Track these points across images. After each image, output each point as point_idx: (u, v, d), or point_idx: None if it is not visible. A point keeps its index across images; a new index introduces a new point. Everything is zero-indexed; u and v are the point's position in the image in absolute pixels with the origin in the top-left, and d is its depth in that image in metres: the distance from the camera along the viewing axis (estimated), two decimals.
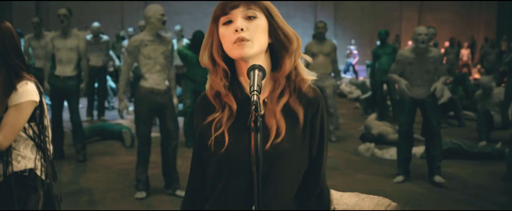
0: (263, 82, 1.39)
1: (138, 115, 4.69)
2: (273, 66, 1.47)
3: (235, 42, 1.40)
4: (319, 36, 7.26)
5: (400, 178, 5.44)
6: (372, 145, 6.74)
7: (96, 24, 8.74)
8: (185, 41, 9.27)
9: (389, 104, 9.56)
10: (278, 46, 1.45)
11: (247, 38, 1.40)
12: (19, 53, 2.31)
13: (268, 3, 1.45)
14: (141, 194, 4.72)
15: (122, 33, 13.95)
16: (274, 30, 1.44)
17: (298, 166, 1.47)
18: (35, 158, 2.33)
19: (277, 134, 1.40)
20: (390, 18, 20.70)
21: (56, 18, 6.05)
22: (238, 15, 1.41)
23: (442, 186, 5.23)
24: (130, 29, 13.98)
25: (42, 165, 2.35)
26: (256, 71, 1.36)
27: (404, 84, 5.25)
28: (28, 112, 2.29)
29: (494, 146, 6.72)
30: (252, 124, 1.28)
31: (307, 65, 7.14)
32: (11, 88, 2.26)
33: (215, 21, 1.45)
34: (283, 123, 1.41)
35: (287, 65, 1.44)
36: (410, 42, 14.12)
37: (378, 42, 9.37)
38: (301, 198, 1.50)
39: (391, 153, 6.54)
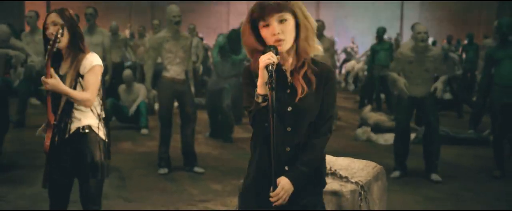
0: (288, 56, 2.05)
1: (161, 101, 5.41)
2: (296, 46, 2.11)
3: (274, 42, 1.99)
4: (317, 34, 7.91)
5: (396, 173, 5.50)
6: (368, 128, 7.40)
7: (114, 23, 9.43)
8: (197, 39, 10.03)
9: (383, 97, 10.23)
10: (300, 34, 2.09)
11: (282, 38, 2.00)
12: (79, 32, 2.93)
13: (294, 5, 2.04)
14: (164, 170, 5.41)
15: (132, 31, 14.66)
16: (298, 26, 2.07)
17: (314, 114, 2.12)
18: (92, 116, 2.90)
19: (301, 92, 2.03)
20: (392, 16, 21.15)
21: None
22: (273, 20, 1.99)
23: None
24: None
25: (99, 123, 2.92)
26: (272, 50, 2.00)
27: (403, 83, 5.30)
28: (100, 72, 2.91)
29: (480, 133, 7.36)
30: (269, 86, 1.92)
31: None
32: (81, 57, 2.86)
33: (252, 22, 2.04)
34: (305, 86, 2.03)
35: (304, 47, 2.08)
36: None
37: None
38: (312, 133, 2.11)
39: (385, 137, 7.19)
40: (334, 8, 21.20)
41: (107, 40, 6.78)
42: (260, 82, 1.96)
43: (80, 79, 2.87)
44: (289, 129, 2.06)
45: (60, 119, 2.89)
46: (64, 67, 2.92)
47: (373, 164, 3.51)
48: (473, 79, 11.05)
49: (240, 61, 6.91)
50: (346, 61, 16.16)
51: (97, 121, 2.93)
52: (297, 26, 2.05)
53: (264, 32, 2.03)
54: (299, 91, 2.04)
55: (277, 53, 1.99)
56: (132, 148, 6.72)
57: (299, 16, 2.05)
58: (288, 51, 2.08)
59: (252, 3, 2.11)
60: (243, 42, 2.11)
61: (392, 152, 5.69)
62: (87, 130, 2.88)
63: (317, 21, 8.06)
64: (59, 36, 2.77)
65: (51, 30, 2.86)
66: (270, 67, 1.92)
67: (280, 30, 2.00)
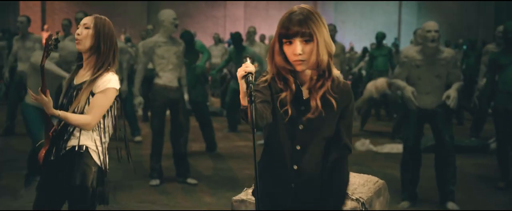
0: (308, 73, 1.99)
1: (153, 109, 5.20)
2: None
3: (294, 61, 1.93)
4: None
5: (405, 204, 4.70)
6: (367, 140, 7.21)
7: None
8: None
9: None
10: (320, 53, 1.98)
11: (304, 59, 1.93)
12: (112, 46, 2.66)
13: (319, 25, 1.94)
14: (156, 182, 5.19)
15: (127, 35, 14.46)
16: (319, 48, 1.94)
17: (327, 136, 2.03)
18: (92, 138, 2.63)
19: (313, 112, 1.96)
20: (388, 21, 21.11)
21: (62, 19, 6.54)
22: (297, 40, 1.91)
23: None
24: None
25: (96, 146, 2.64)
26: (249, 59, 1.84)
27: (410, 92, 4.50)
28: (112, 97, 2.64)
29: (482, 141, 7.18)
30: (248, 99, 1.74)
31: None
32: (98, 75, 2.60)
33: (280, 38, 1.96)
34: (320, 106, 1.96)
35: (325, 66, 1.97)
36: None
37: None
38: (329, 151, 2.05)
39: (385, 150, 7.00)
40: (331, 13, 21.11)
41: None
42: (241, 94, 1.80)
43: (91, 97, 2.62)
44: (298, 147, 2.02)
45: (59, 132, 2.64)
46: (80, 76, 2.67)
47: (374, 179, 3.31)
48: (473, 85, 10.86)
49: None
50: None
51: (96, 143, 2.66)
52: (318, 49, 1.95)
53: (286, 49, 1.96)
54: (313, 110, 1.98)
55: (253, 63, 1.84)
56: (124, 157, 6.48)
57: (320, 40, 1.95)
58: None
59: (249, 6, 1.94)
60: (269, 56, 2.01)
61: (393, 160, 5.48)
62: (82, 150, 2.61)
63: (329, 25, 7.87)
64: (51, 42, 2.49)
65: (79, 30, 2.64)
66: (250, 77, 1.76)
67: (302, 51, 1.93)
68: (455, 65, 4.62)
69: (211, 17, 20.71)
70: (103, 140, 2.69)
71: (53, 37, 2.51)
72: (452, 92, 4.42)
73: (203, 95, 7.00)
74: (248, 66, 1.78)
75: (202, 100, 6.73)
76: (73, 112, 2.60)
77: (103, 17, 2.70)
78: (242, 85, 1.77)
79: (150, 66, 5.90)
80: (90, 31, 2.63)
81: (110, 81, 2.62)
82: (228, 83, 9.17)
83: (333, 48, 1.98)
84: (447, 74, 4.58)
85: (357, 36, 20.99)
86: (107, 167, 2.72)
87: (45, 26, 17.22)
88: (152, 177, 5.24)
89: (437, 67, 4.53)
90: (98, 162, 2.65)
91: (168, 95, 5.13)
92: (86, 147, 2.62)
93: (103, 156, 2.68)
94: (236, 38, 7.30)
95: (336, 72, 2.01)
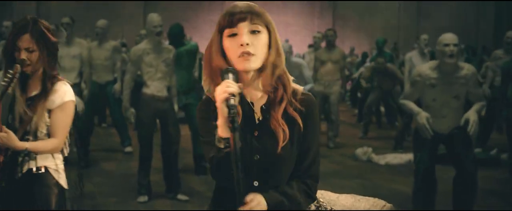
0: (258, 82, 1.56)
1: (140, 120, 4.86)
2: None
3: (240, 56, 1.51)
4: (328, 43, 7.40)
5: None
6: (369, 149, 6.89)
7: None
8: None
9: (383, 110, 9.69)
10: (273, 54, 1.58)
11: (252, 52, 1.51)
12: (54, 54, 2.36)
13: (270, 18, 1.58)
14: (144, 198, 4.84)
15: (123, 41, 14.14)
16: (271, 45, 1.57)
17: (292, 163, 1.62)
18: (51, 157, 2.37)
19: (284, 139, 1.54)
20: (388, 26, 20.89)
21: (58, 24, 6.22)
22: (243, 29, 1.52)
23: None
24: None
25: (57, 164, 2.39)
26: (231, 75, 1.48)
27: (424, 118, 3.84)
28: (72, 111, 2.36)
29: (489, 152, 6.85)
30: (230, 125, 1.40)
31: (316, 71, 7.34)
32: (48, 89, 2.31)
33: (220, 31, 1.57)
34: (287, 129, 1.55)
35: (281, 72, 1.58)
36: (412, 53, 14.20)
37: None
38: (291, 184, 1.62)
39: (387, 159, 6.67)
40: (330, 18, 20.89)
41: (86, 52, 6.23)
42: (220, 121, 1.44)
43: (47, 115, 2.31)
44: (256, 183, 1.56)
45: (11, 156, 2.32)
46: (31, 92, 2.36)
47: (381, 202, 2.94)
48: None
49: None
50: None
51: (57, 162, 2.38)
52: (270, 47, 1.55)
53: (228, 43, 1.54)
54: (281, 136, 1.55)
55: (237, 79, 1.48)
56: (112, 169, 6.16)
57: (273, 32, 1.56)
58: (254, 77, 1.56)
59: None
60: (205, 60, 1.58)
61: (397, 172, 5.15)
62: (41, 171, 2.34)
63: (329, 30, 7.54)
64: (16, 76, 2.19)
65: (23, 56, 2.27)
66: (232, 100, 1.41)
67: (250, 42, 1.52)
68: (476, 83, 3.99)
69: (208, 21, 20.39)
70: (62, 157, 2.44)
71: (17, 70, 2.21)
72: (472, 115, 3.77)
73: (196, 99, 6.60)
74: (229, 86, 1.43)
75: (194, 103, 6.32)
76: (25, 132, 2.30)
77: (36, 20, 2.34)
78: (222, 110, 1.42)
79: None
80: (37, 54, 2.31)
81: (66, 94, 2.35)
82: None
83: (281, 50, 1.59)
84: (466, 94, 3.95)
85: (355, 41, 20.77)
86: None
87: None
88: (139, 193, 4.89)
89: (455, 86, 3.89)
90: (60, 182, 2.40)
91: (156, 106, 4.79)
92: (46, 168, 2.35)
93: (63, 174, 2.43)
94: None
95: (289, 77, 1.62)
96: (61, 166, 2.42)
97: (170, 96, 4.91)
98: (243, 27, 1.52)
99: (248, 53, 1.51)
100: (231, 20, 1.52)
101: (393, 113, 8.82)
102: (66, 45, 6.16)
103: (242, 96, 1.55)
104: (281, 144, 1.54)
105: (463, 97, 3.93)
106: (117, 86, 6.37)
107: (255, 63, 1.53)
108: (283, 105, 1.57)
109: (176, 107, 5.01)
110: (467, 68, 3.94)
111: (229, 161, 1.43)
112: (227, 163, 1.44)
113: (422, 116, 3.85)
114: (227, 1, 19.97)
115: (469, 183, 3.97)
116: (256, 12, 1.54)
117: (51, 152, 2.34)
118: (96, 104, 6.64)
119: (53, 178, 2.37)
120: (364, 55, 12.24)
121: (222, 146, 1.45)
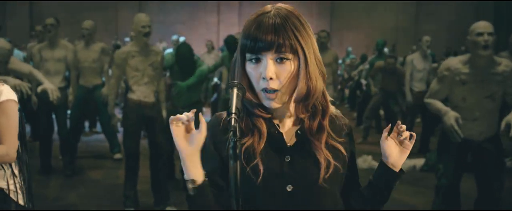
0: (288, 109, 1.33)
1: (125, 128, 4.54)
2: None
3: (262, 90, 1.28)
4: (320, 45, 7.11)
5: None
6: (369, 157, 6.60)
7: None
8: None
9: (382, 114, 9.37)
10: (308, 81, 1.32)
11: (276, 88, 1.26)
12: None
13: (306, 36, 1.29)
14: None
15: (118, 43, 13.83)
16: (304, 72, 1.28)
17: (333, 195, 1.37)
18: (4, 176, 2.08)
19: (326, 169, 1.31)
20: (385, 27, 20.68)
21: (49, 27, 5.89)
22: (267, 56, 1.25)
23: None
24: (127, 39, 13.82)
25: (14, 183, 2.10)
26: (235, 91, 1.20)
27: (453, 119, 3.31)
28: (14, 111, 2.06)
29: None
30: (230, 151, 1.12)
31: None
32: None
33: (242, 52, 1.30)
34: (330, 157, 1.33)
35: (321, 100, 1.36)
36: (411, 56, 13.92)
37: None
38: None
39: None
40: (328, 19, 20.68)
41: (71, 55, 5.89)
42: (183, 156, 1.21)
43: None
44: None
45: None
46: None
47: None
48: None
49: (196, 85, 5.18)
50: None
51: (12, 180, 2.08)
52: (301, 77, 1.29)
53: (250, 68, 1.29)
54: (324, 165, 1.31)
55: (243, 94, 1.22)
56: (99, 178, 5.84)
57: (309, 61, 1.27)
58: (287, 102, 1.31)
59: (243, 11, 1.30)
60: (231, 72, 1.35)
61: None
62: None
63: (322, 31, 7.24)
64: None
65: None
66: (233, 120, 1.13)
67: (274, 75, 1.26)
68: None
69: (204, 23, 20.12)
70: (17, 172, 2.11)
71: None
72: None
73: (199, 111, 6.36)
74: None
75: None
76: None
77: None
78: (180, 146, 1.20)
79: None
80: None
81: (1, 94, 2.04)
82: (220, 93, 8.52)
83: (323, 68, 1.35)
84: (503, 95, 3.39)
85: (354, 43, 20.56)
86: (31, 204, 2.16)
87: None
88: (125, 205, 4.58)
89: (489, 84, 3.33)
90: (20, 202, 2.10)
91: (142, 112, 4.47)
92: (1, 189, 2.06)
93: (22, 191, 2.11)
94: (229, 41, 6.65)
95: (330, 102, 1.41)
96: (18, 184, 2.10)
97: (157, 102, 4.60)
98: (267, 55, 1.26)
99: (272, 90, 1.26)
100: (253, 47, 1.25)
101: (394, 117, 8.50)
102: (50, 47, 5.86)
103: (271, 121, 1.33)
104: (322, 174, 1.30)
105: (499, 97, 3.37)
106: (105, 90, 6.00)
107: (281, 99, 1.29)
108: (324, 135, 1.34)
109: (164, 113, 4.69)
110: (505, 64, 3.36)
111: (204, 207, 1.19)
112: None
113: (451, 116, 3.31)
114: (222, 1, 19.72)
115: (492, 203, 3.50)
116: (286, 36, 1.25)
117: (3, 161, 2.04)
118: (84, 109, 6.31)
119: (12, 200, 2.07)
120: (363, 57, 11.97)
121: (190, 192, 1.19)
